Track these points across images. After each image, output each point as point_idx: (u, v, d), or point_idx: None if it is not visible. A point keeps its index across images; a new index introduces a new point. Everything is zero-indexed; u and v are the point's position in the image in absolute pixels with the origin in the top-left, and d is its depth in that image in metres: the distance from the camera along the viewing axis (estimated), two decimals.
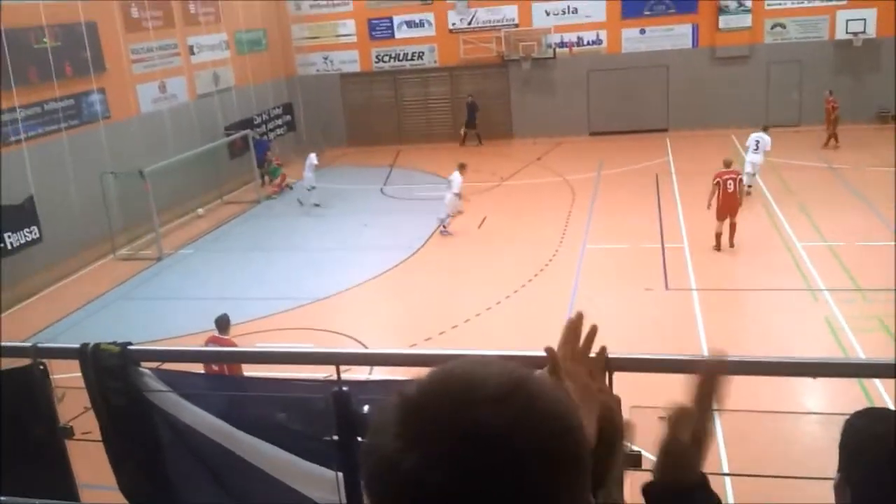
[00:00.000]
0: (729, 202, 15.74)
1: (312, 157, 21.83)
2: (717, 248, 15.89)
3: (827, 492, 1.83)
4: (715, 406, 1.50)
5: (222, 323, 10.09)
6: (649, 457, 1.59)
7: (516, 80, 28.14)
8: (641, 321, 12.74)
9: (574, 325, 1.56)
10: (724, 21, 25.58)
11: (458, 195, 18.35)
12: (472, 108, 28.19)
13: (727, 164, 16.25)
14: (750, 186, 19.12)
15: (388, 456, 0.91)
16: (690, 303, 13.47)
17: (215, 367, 7.69)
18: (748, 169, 19.30)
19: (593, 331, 1.58)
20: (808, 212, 17.69)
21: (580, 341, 1.55)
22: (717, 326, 12.51)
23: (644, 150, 24.56)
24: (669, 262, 15.46)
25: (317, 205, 21.62)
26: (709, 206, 15.89)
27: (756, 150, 19.51)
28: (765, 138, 19.61)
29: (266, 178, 24.60)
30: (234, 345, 9.31)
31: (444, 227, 18.54)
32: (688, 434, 1.45)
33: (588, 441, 1.05)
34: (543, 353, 1.47)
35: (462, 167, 18.83)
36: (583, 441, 0.99)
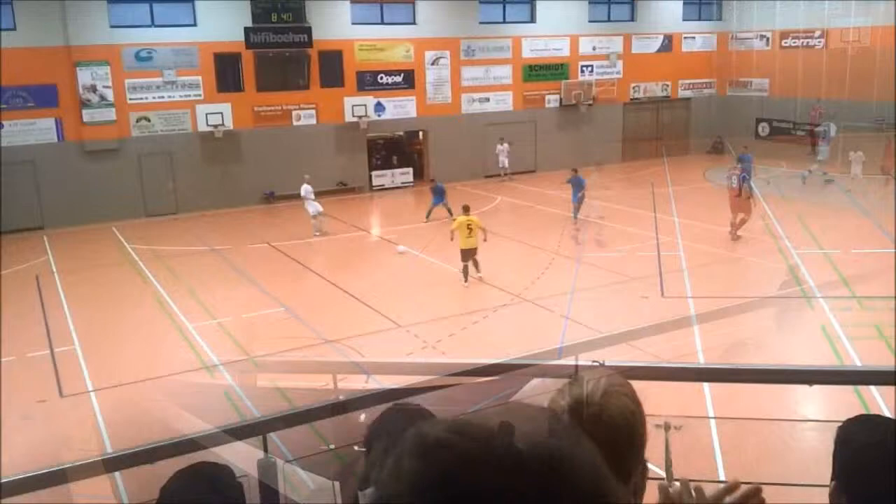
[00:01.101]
0: (731, 197, 17.32)
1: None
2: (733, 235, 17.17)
3: (823, 499, 1.83)
4: None
5: None
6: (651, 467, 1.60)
7: None
8: (638, 330, 12.70)
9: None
10: (88, 115, 24.18)
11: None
12: None
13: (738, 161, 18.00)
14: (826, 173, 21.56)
15: (387, 498, 0.86)
16: (686, 311, 13.45)
17: None
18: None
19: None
20: (803, 219, 17.71)
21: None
22: (713, 335, 12.50)
23: (19, 251, 20.81)
24: (667, 270, 15.46)
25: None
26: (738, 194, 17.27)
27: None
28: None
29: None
30: None
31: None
32: None
33: None
34: (538, 363, 1.46)
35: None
36: None
